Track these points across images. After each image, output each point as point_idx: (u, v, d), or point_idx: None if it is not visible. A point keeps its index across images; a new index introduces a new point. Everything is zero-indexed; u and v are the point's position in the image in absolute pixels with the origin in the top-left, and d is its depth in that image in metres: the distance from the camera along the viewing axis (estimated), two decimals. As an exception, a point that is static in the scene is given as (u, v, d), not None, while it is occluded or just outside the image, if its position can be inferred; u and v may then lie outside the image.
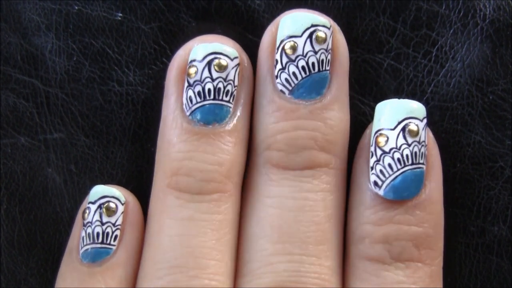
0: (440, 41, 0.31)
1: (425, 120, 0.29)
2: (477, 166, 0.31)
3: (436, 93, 0.31)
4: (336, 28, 0.30)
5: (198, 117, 0.29)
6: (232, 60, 0.29)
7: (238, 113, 0.30)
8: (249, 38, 0.31)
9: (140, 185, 0.31)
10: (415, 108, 0.29)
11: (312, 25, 0.29)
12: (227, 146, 0.29)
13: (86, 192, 0.31)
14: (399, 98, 0.31)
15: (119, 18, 0.32)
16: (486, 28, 0.31)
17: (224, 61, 0.29)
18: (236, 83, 0.29)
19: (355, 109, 0.31)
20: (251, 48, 0.31)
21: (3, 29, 0.32)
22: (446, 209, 0.31)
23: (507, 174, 0.31)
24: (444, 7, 0.31)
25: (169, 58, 0.31)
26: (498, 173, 0.31)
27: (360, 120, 0.31)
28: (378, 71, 0.31)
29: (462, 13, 0.31)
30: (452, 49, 0.31)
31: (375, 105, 0.30)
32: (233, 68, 0.29)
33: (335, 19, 0.31)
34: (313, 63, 0.29)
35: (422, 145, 0.29)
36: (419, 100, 0.31)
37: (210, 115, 0.29)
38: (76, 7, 0.32)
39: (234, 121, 0.29)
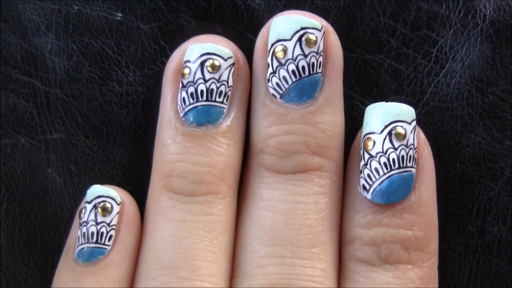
0: (440, 42, 0.31)
1: (414, 123, 0.29)
2: (477, 167, 0.31)
3: (436, 94, 0.31)
4: (329, 29, 0.29)
5: (191, 118, 0.29)
6: (225, 60, 0.29)
7: (233, 114, 0.30)
8: (249, 37, 0.31)
9: (140, 185, 0.31)
10: (404, 111, 0.29)
11: (302, 28, 0.29)
12: (220, 148, 0.29)
13: (86, 192, 0.32)
14: (399, 99, 0.31)
15: (119, 18, 0.32)
16: (486, 28, 0.31)
17: (217, 61, 0.29)
18: (230, 83, 0.29)
19: (355, 110, 0.31)
20: (251, 48, 0.31)
21: (3, 29, 0.32)
22: (446, 209, 0.31)
23: (507, 175, 0.31)
24: (444, 8, 0.31)
25: (168, 58, 0.31)
26: (498, 174, 0.31)
27: (360, 121, 0.31)
28: (378, 71, 0.31)
29: (462, 13, 0.31)
30: (452, 49, 0.31)
31: (375, 106, 0.30)
32: (226, 68, 0.29)
33: (335, 19, 0.31)
34: (303, 67, 0.29)
35: (411, 148, 0.29)
36: (419, 101, 0.31)
37: (203, 116, 0.29)
38: (76, 7, 0.32)
39: (228, 122, 0.29)
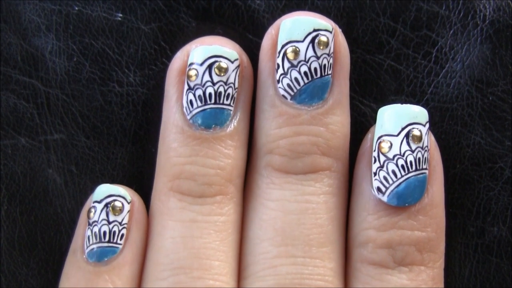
0: (440, 42, 0.31)
1: (427, 125, 0.29)
2: (477, 167, 0.31)
3: (436, 94, 0.31)
4: (338, 30, 0.29)
5: (199, 121, 0.29)
6: (232, 62, 0.29)
7: (238, 115, 0.30)
8: (249, 38, 0.31)
9: (141, 186, 0.31)
10: (418, 112, 0.29)
11: (314, 30, 0.29)
12: (228, 150, 0.29)
13: (87, 193, 0.31)
14: (399, 99, 0.31)
15: (119, 19, 0.32)
16: (486, 29, 0.31)
17: (224, 64, 0.29)
18: (236, 85, 0.29)
19: (355, 110, 0.31)
20: (251, 48, 0.31)
21: (3, 30, 0.32)
22: (446, 209, 0.31)
23: (506, 175, 0.31)
24: (444, 8, 0.31)
25: (169, 58, 0.31)
26: (498, 174, 0.31)
27: (360, 121, 0.31)
28: (378, 71, 0.31)
29: (462, 14, 0.31)
30: (452, 50, 0.31)
31: (376, 106, 0.31)
32: (233, 70, 0.29)
33: (335, 19, 0.31)
34: (315, 69, 0.29)
35: (425, 150, 0.29)
36: (419, 101, 0.31)
37: (211, 119, 0.29)
38: (76, 8, 0.32)
39: (235, 123, 0.29)
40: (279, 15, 0.30)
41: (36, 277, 0.32)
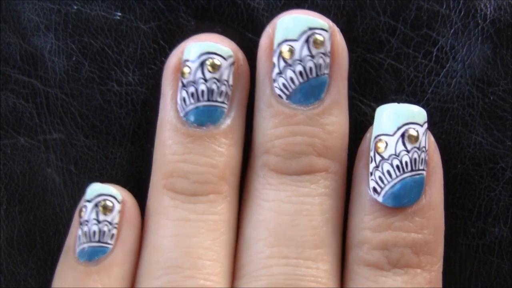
0: (441, 41, 0.31)
1: (425, 125, 0.29)
2: (478, 167, 0.31)
3: (436, 94, 0.31)
4: (336, 29, 0.29)
5: (192, 119, 0.29)
6: (226, 59, 0.29)
7: (233, 113, 0.29)
8: (248, 37, 0.31)
9: (139, 185, 0.31)
10: (416, 112, 0.28)
11: (310, 29, 0.29)
12: (221, 148, 0.29)
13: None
14: (399, 99, 0.31)
15: (118, 18, 0.32)
16: (487, 28, 0.31)
17: (217, 60, 0.29)
18: (231, 83, 0.29)
19: (355, 110, 0.31)
20: (250, 47, 0.31)
21: (3, 29, 0.32)
22: (447, 210, 0.30)
23: (507, 175, 0.31)
24: (444, 7, 0.31)
25: (168, 57, 0.31)
26: (499, 174, 0.31)
27: (361, 121, 0.31)
28: (378, 71, 0.31)
29: (462, 13, 0.31)
30: (452, 49, 0.31)
31: (376, 106, 0.30)
32: (227, 67, 0.29)
33: (335, 18, 0.31)
34: (310, 68, 0.29)
35: (423, 151, 0.28)
36: (420, 101, 0.31)
37: (204, 117, 0.29)
38: (75, 7, 0.32)
39: (229, 121, 0.29)
40: (279, 14, 0.30)
41: (35, 277, 0.32)
